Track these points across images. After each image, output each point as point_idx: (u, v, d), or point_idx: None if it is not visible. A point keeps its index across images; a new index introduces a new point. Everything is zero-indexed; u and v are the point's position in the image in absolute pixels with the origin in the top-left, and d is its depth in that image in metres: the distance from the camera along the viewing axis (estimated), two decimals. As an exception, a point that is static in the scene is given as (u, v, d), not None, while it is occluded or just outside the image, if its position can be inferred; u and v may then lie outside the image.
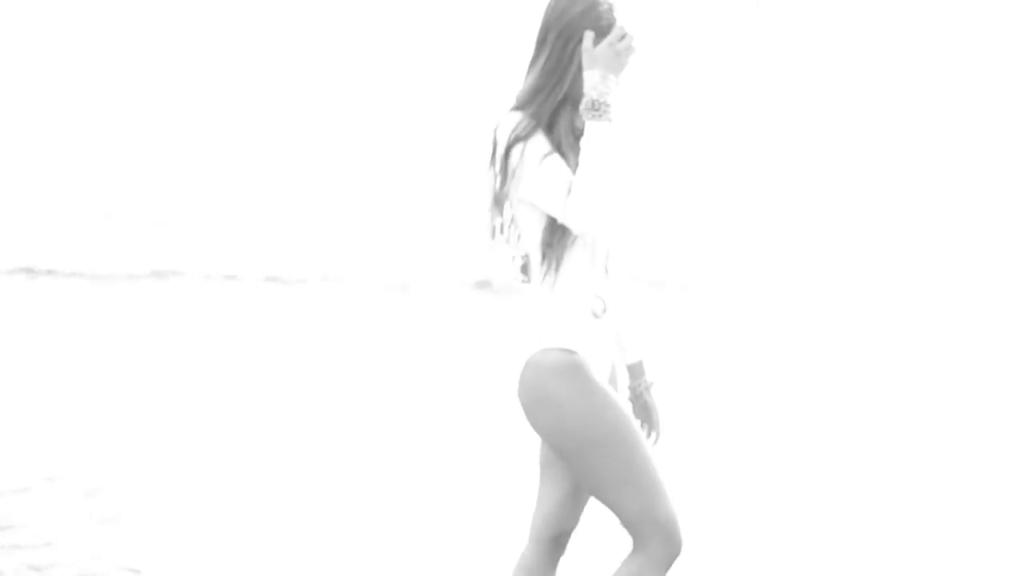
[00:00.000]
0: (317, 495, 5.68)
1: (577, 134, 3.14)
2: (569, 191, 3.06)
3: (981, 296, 10.17)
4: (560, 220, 3.07)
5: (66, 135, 12.45)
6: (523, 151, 3.08)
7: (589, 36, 3.08)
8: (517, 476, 5.82)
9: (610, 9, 3.13)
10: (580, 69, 3.12)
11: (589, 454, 3.06)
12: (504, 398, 6.69)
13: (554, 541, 3.29)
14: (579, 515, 3.33)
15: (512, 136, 3.10)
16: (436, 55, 12.51)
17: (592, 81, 3.06)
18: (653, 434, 3.38)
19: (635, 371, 3.39)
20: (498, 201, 3.17)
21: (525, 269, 3.18)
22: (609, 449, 3.05)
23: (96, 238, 11.67)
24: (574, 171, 3.09)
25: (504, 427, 6.65)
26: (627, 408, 3.15)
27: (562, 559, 3.33)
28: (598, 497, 3.13)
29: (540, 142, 3.10)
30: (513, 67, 3.34)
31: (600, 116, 3.05)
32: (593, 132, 3.04)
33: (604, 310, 3.18)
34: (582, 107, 3.07)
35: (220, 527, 5.18)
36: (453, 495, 5.77)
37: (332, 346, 8.84)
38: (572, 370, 3.09)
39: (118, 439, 6.43)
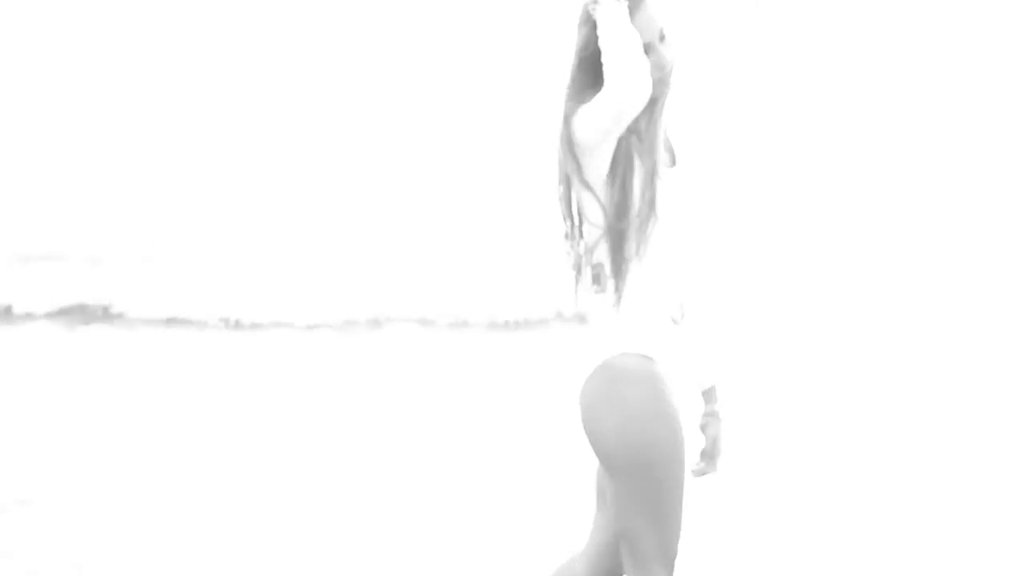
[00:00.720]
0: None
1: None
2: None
3: (994, 311, 10.10)
4: (613, 124, 2.87)
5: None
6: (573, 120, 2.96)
7: None
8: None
9: None
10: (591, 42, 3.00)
11: (635, 474, 2.91)
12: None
13: (610, 573, 3.15)
14: None
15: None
16: (478, 71, 11.49)
17: None
18: (706, 466, 3.17)
19: (708, 397, 3.19)
20: (566, 200, 3.03)
21: (598, 279, 3.02)
22: (656, 475, 2.91)
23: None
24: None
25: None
26: (686, 438, 2.98)
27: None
28: (620, 518, 2.96)
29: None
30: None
31: None
32: (603, 11, 2.88)
33: (683, 316, 3.04)
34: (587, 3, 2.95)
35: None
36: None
37: (380, 395, 7.73)
38: (651, 379, 2.94)
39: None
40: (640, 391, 2.92)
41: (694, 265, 3.09)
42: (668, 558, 2.96)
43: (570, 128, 2.96)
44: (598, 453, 2.98)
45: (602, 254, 3.00)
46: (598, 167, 2.96)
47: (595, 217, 2.99)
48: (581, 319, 3.34)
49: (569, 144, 2.96)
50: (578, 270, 3.07)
